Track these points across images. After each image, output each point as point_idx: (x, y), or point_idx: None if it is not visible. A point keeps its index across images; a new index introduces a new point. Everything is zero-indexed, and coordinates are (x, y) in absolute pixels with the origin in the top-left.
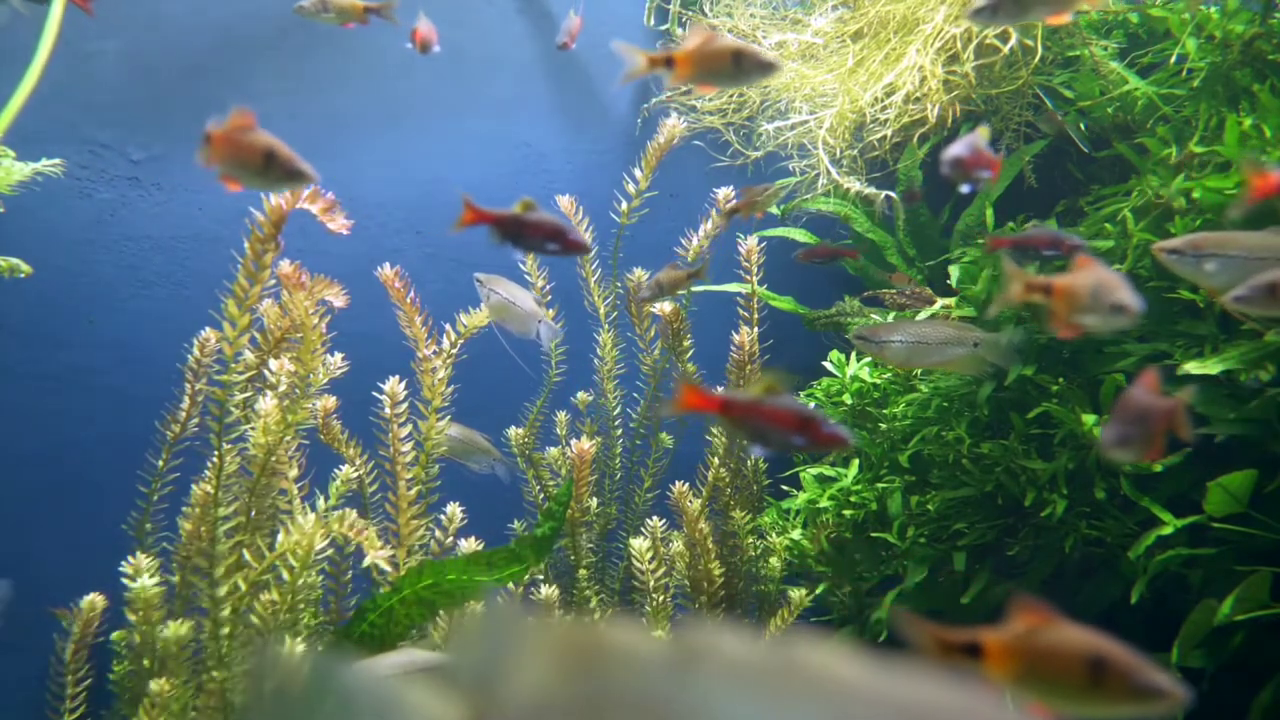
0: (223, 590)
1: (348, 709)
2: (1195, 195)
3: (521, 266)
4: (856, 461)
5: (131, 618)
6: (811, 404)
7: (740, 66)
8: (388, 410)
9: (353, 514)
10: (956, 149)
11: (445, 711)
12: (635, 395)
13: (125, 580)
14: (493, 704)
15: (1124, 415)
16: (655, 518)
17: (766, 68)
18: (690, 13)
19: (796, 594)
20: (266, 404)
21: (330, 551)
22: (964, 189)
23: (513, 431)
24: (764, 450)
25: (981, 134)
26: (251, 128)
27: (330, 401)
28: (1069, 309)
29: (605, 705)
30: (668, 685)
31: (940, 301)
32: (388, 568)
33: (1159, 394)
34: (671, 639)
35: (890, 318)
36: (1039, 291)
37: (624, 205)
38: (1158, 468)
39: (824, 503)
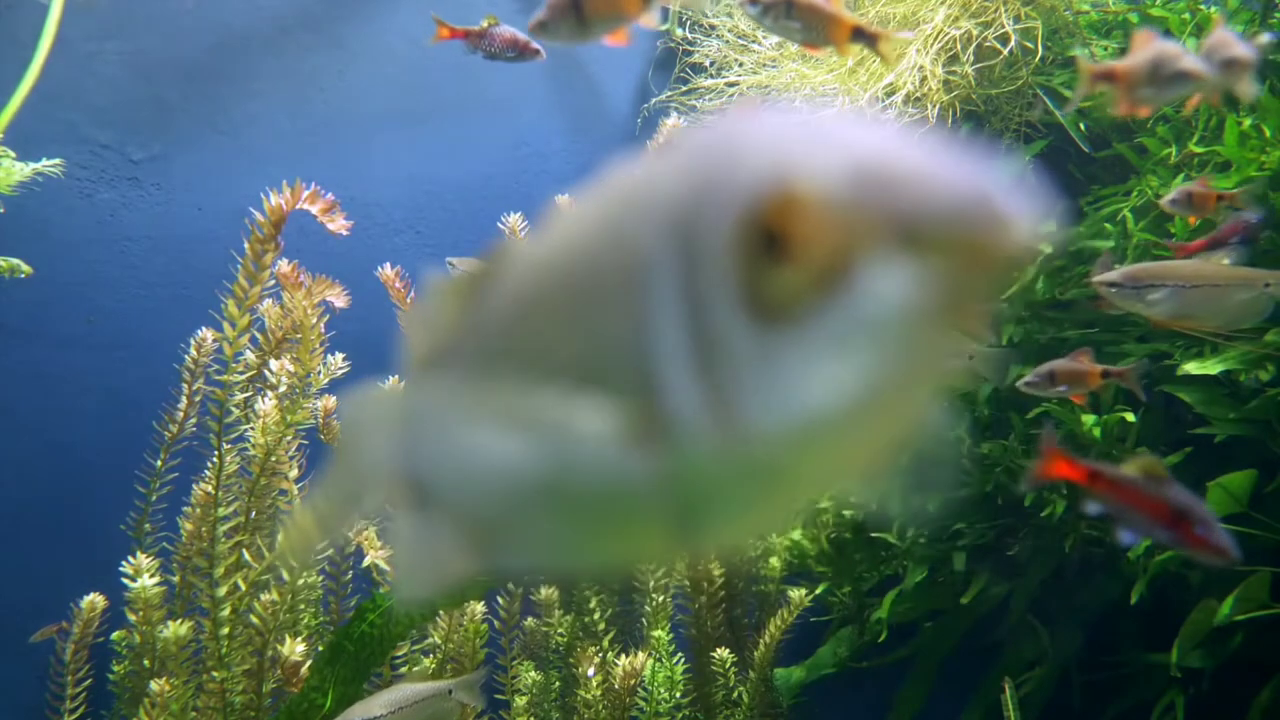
0: (223, 590)
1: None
2: None
3: None
4: None
5: (131, 618)
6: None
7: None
8: None
9: None
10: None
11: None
12: None
13: (125, 580)
14: (427, 349)
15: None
16: None
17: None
18: (689, 12)
19: (796, 594)
20: (266, 404)
21: (330, 551)
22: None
23: None
24: (1131, 536)
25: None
26: None
27: (330, 401)
28: None
29: (494, 312)
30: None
31: None
32: (388, 567)
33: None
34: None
35: None
36: None
37: None
38: None
39: (824, 503)
